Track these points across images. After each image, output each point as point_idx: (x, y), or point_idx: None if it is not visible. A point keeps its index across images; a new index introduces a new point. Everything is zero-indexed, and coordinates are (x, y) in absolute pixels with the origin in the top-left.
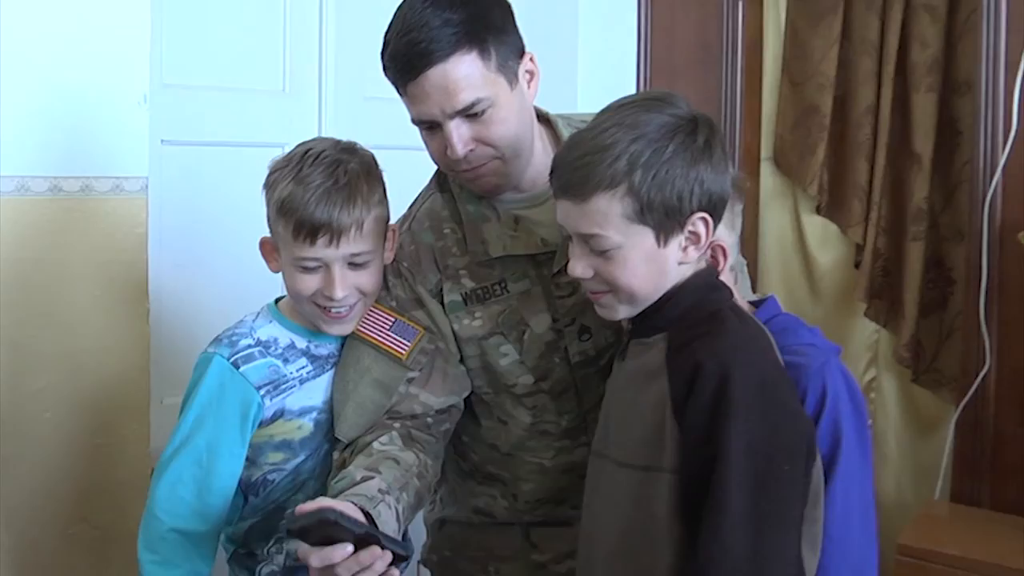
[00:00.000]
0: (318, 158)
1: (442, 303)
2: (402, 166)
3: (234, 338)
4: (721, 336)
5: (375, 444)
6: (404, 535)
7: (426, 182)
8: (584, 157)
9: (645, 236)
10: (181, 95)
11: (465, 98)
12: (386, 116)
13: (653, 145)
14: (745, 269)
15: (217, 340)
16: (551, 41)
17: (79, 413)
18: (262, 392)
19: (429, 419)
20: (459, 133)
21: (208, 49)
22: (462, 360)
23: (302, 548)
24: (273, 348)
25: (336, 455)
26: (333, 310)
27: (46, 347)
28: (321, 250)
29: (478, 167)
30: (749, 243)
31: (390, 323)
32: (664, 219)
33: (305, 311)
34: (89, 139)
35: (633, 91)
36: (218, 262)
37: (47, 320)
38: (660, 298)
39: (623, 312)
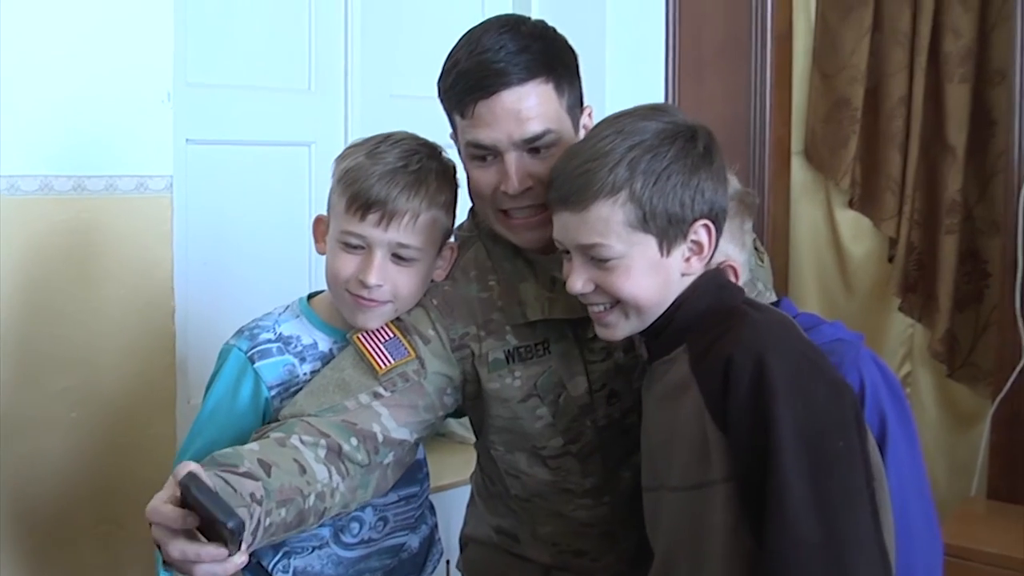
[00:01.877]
0: (398, 142)
1: (473, 356)
2: None
3: (256, 331)
4: (745, 327)
5: (295, 439)
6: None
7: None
8: (583, 165)
9: (648, 245)
10: (205, 94)
11: (535, 127)
12: (413, 114)
13: (652, 151)
14: (769, 275)
15: (240, 332)
16: (579, 33)
17: (104, 413)
18: (273, 392)
19: (379, 439)
20: (519, 165)
21: (232, 47)
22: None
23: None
24: (293, 345)
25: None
26: (364, 298)
27: (71, 347)
28: (369, 228)
29: (530, 210)
30: (781, 238)
31: (387, 338)
32: (667, 226)
33: (337, 296)
34: (113, 138)
35: (661, 85)
36: (244, 261)
37: (72, 320)
38: (669, 308)
39: (627, 328)
